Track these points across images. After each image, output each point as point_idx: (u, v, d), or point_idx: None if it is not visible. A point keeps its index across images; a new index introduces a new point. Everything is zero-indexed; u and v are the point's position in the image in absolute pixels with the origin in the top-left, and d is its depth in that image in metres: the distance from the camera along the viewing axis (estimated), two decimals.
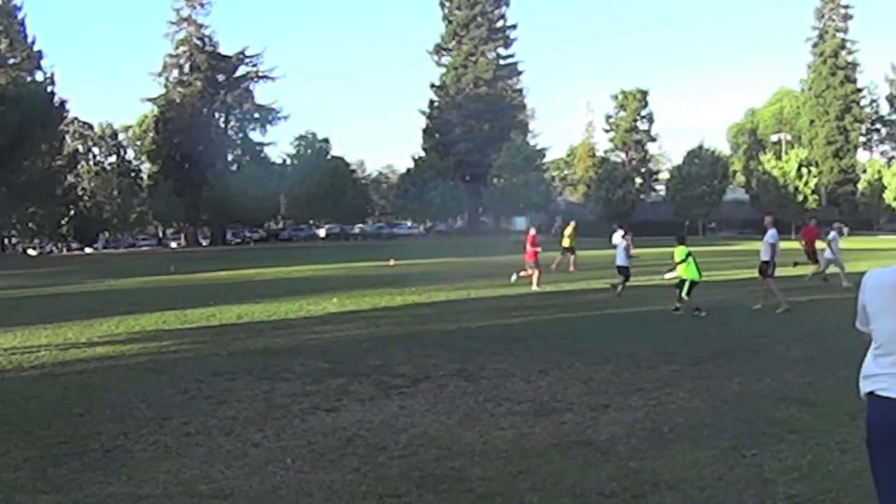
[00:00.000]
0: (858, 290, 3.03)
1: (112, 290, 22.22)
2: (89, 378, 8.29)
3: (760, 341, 9.38)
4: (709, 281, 19.11)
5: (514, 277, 18.57)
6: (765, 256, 13.21)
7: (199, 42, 71.60)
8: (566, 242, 23.14)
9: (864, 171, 73.92)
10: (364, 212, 77.96)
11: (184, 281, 24.79)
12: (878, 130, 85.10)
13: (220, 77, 72.67)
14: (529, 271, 17.88)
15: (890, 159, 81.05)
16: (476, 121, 73.98)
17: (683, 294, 12.48)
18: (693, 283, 12.50)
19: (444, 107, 75.59)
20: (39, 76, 60.28)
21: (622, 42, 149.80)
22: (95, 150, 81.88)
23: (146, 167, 79.45)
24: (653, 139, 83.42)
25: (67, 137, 71.01)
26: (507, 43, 78.05)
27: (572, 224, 23.61)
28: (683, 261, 12.88)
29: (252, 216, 69.65)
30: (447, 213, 72.64)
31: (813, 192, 63.77)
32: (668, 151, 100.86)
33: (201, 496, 4.52)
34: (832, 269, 17.59)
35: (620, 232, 18.71)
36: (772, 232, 13.37)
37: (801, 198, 62.36)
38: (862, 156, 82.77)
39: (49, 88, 58.04)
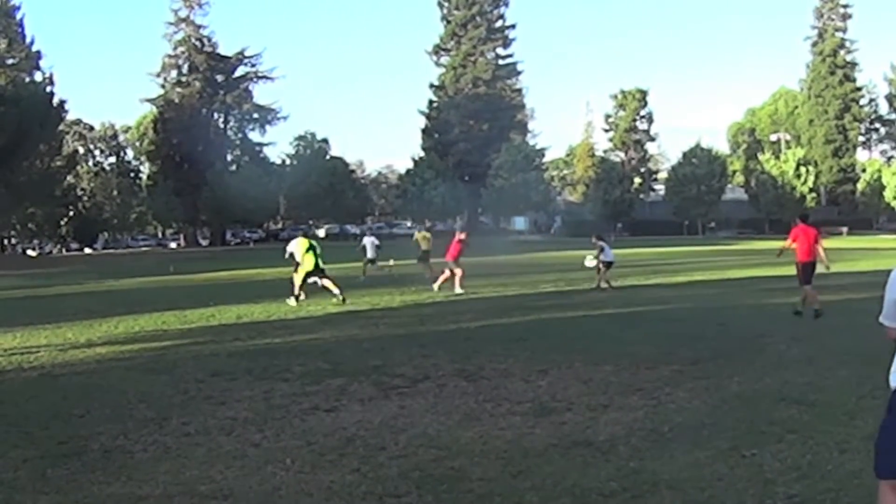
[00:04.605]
0: (886, 284, 3.07)
1: (112, 290, 22.22)
2: (89, 378, 8.28)
3: (760, 341, 9.38)
4: (707, 280, 19.15)
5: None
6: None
7: (197, 43, 71.56)
8: None
9: (864, 171, 74.02)
10: (363, 212, 78.06)
11: (183, 281, 24.80)
12: (877, 130, 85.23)
13: (219, 77, 72.62)
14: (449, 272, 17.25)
15: (889, 158, 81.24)
16: (475, 121, 73.97)
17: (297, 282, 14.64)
18: (308, 273, 14.67)
19: (444, 107, 75.53)
20: (38, 76, 60.14)
21: (621, 42, 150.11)
22: (95, 150, 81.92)
23: (145, 168, 79.49)
24: (652, 139, 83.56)
25: (67, 138, 70.95)
26: (506, 43, 77.99)
27: None
28: (307, 251, 14.85)
29: (251, 216, 69.66)
30: (446, 213, 72.62)
31: (811, 190, 63.82)
32: (668, 151, 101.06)
33: (201, 496, 4.52)
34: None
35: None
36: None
37: (798, 197, 62.43)
38: (861, 155, 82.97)
39: (48, 89, 57.93)
